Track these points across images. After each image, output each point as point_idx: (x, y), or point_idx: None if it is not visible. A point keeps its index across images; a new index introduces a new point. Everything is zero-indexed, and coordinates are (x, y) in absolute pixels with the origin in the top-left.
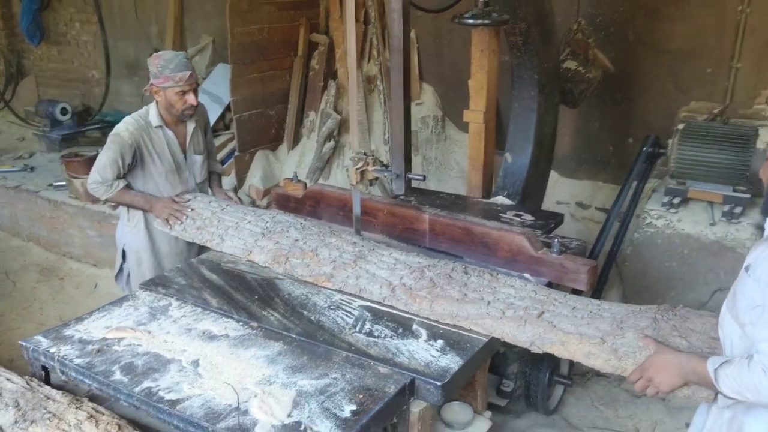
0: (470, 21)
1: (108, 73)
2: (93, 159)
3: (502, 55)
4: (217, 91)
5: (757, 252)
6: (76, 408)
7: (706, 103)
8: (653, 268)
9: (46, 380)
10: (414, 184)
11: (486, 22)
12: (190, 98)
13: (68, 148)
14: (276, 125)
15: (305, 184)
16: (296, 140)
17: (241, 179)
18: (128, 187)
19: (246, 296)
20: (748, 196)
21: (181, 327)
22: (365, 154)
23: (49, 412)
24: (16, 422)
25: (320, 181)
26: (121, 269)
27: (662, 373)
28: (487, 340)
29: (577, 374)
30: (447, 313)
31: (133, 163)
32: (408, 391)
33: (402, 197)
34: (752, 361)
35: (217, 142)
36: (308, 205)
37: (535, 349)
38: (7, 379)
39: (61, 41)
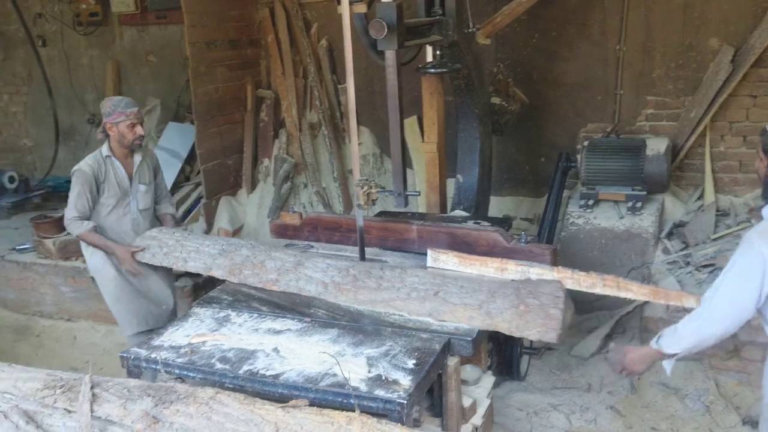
0: (432, 70)
1: (57, 139)
2: (61, 219)
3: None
4: (173, 147)
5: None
6: (202, 389)
7: (600, 124)
8: (579, 258)
9: None
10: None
11: (444, 70)
12: (139, 129)
13: (15, 215)
14: (234, 173)
15: (300, 214)
16: (254, 185)
17: (210, 223)
18: (95, 230)
19: (289, 302)
20: (644, 193)
21: (248, 329)
22: (367, 179)
23: (181, 394)
24: (156, 405)
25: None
26: None
27: (635, 365)
28: None
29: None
30: (367, 299)
31: (96, 195)
32: (447, 348)
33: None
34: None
35: (181, 192)
36: (306, 231)
37: (432, 319)
38: (126, 382)
39: None
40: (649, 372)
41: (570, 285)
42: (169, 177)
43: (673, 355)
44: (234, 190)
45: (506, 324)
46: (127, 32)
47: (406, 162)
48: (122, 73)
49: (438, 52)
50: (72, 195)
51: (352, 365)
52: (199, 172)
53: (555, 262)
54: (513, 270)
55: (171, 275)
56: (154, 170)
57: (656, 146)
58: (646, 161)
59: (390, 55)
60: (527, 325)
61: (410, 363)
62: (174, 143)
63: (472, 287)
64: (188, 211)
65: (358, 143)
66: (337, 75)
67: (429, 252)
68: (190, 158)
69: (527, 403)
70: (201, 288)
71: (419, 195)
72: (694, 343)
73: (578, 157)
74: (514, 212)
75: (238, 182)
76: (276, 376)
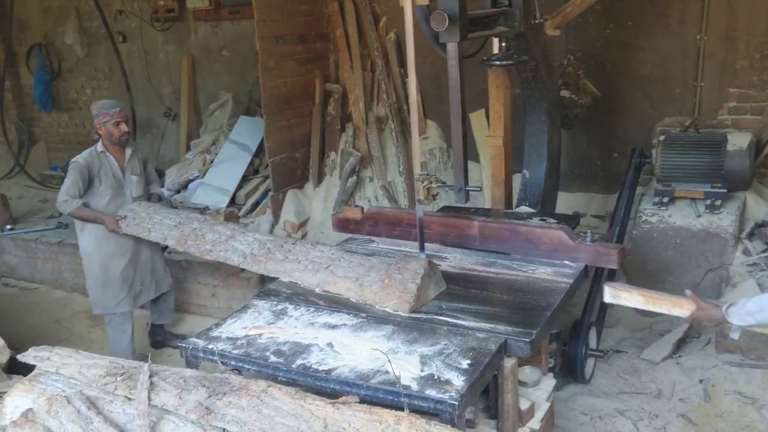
0: (497, 63)
1: (134, 132)
2: None
3: (513, 89)
4: (243, 140)
5: None
6: (255, 381)
7: (678, 118)
8: (652, 258)
9: None
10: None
11: (510, 62)
12: (123, 126)
13: None
14: (301, 166)
15: (362, 208)
16: (320, 178)
17: (276, 216)
18: (86, 205)
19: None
20: (724, 190)
21: (304, 322)
22: (428, 174)
23: (234, 386)
24: (210, 396)
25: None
26: None
27: (703, 321)
28: (549, 313)
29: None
30: (274, 269)
31: (88, 183)
32: (503, 349)
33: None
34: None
35: (250, 185)
36: (367, 225)
37: (319, 290)
38: (183, 371)
39: (71, 107)
40: (724, 380)
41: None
42: (239, 170)
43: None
44: (301, 184)
45: (372, 295)
46: (201, 27)
47: (467, 156)
48: (197, 67)
49: (504, 44)
50: (67, 181)
51: (405, 363)
52: (267, 165)
53: (623, 263)
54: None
55: (162, 264)
56: (144, 162)
57: (738, 141)
58: (727, 157)
59: (452, 48)
60: (388, 296)
61: (464, 363)
62: (244, 137)
63: (358, 263)
64: (256, 204)
65: (424, 137)
66: (405, 68)
67: (607, 288)
68: (260, 151)
69: (592, 408)
70: (270, 279)
71: (480, 190)
72: (758, 323)
73: (653, 152)
74: (584, 209)
75: (305, 175)
76: (328, 371)
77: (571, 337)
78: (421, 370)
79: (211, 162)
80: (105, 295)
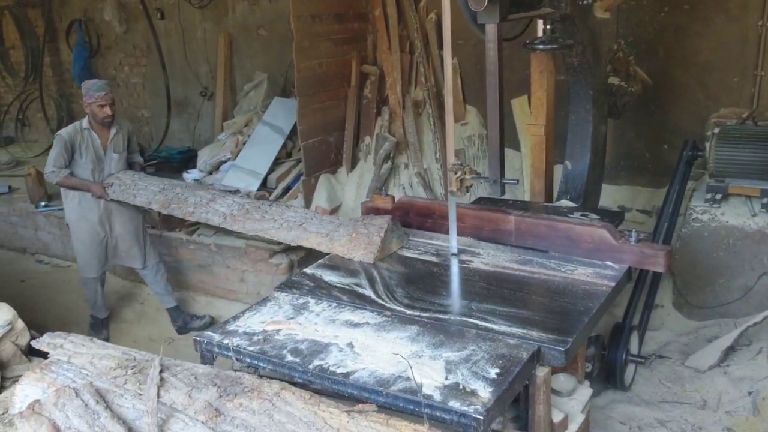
0: (540, 47)
1: (168, 111)
2: None
3: (557, 74)
4: (276, 122)
5: None
6: (268, 382)
7: (735, 109)
8: (702, 258)
9: None
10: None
11: (555, 46)
12: (107, 110)
13: None
14: (335, 150)
15: (392, 197)
16: (354, 163)
17: (308, 201)
18: (72, 174)
19: (371, 291)
20: None
21: (325, 319)
22: (461, 164)
23: (246, 387)
24: (220, 397)
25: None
26: None
27: None
28: (587, 319)
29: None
30: (251, 228)
31: (71, 155)
32: (536, 357)
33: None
34: None
35: (281, 169)
36: (398, 215)
37: (293, 243)
38: (196, 367)
39: (110, 84)
40: None
41: None
42: (271, 153)
43: None
44: (334, 168)
45: (341, 247)
46: (239, 5)
47: (505, 145)
48: (234, 46)
49: (548, 27)
50: (52, 153)
51: (429, 369)
52: (300, 148)
53: (669, 266)
54: None
55: (141, 236)
56: (129, 138)
57: None
58: None
59: (491, 30)
60: (355, 248)
61: (493, 372)
62: (278, 118)
63: (329, 221)
64: (287, 188)
65: (463, 123)
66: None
67: None
68: (293, 134)
69: (631, 417)
70: (299, 266)
71: (517, 183)
72: None
73: (707, 145)
74: (630, 203)
75: (338, 160)
76: (346, 375)
77: (610, 341)
78: (446, 378)
79: (244, 144)
80: (92, 256)
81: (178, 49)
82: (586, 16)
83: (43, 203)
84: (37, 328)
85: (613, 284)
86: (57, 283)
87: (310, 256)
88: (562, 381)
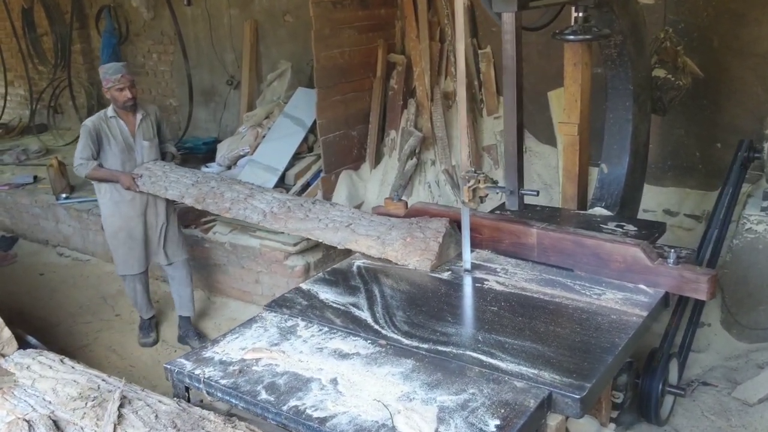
0: (571, 37)
1: (191, 100)
2: None
3: (594, 67)
4: (298, 114)
5: None
6: (232, 428)
7: None
8: (755, 274)
9: (188, 399)
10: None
11: (587, 37)
12: (126, 93)
13: None
14: (358, 145)
15: (406, 203)
16: (378, 159)
17: (327, 198)
18: (100, 166)
19: (369, 313)
20: None
21: (312, 346)
22: (476, 172)
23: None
24: None
25: (403, 198)
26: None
27: None
28: (611, 358)
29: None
30: (294, 228)
31: (98, 146)
32: (546, 404)
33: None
34: None
35: (302, 164)
36: None
37: (341, 246)
38: (160, 402)
39: (139, 72)
40: None
41: None
42: (290, 147)
43: None
44: (356, 164)
45: (394, 252)
46: None
47: (523, 153)
48: (260, 33)
49: (581, 14)
50: (79, 145)
51: (418, 417)
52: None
53: (713, 294)
54: None
55: (176, 235)
56: (158, 124)
57: None
58: None
59: (508, 19)
60: (409, 254)
61: (492, 424)
62: (300, 110)
63: (379, 222)
64: (307, 185)
65: (496, 116)
66: (478, 39)
67: None
68: (315, 126)
69: None
70: (315, 268)
71: (537, 195)
72: None
73: (765, 145)
74: (677, 207)
75: (361, 155)
76: (323, 420)
77: (645, 369)
78: (436, 431)
79: (263, 137)
80: (127, 254)
81: (204, 36)
82: (626, 2)
83: (63, 195)
84: (49, 325)
85: (645, 314)
86: (75, 277)
87: (328, 258)
88: (582, 423)
